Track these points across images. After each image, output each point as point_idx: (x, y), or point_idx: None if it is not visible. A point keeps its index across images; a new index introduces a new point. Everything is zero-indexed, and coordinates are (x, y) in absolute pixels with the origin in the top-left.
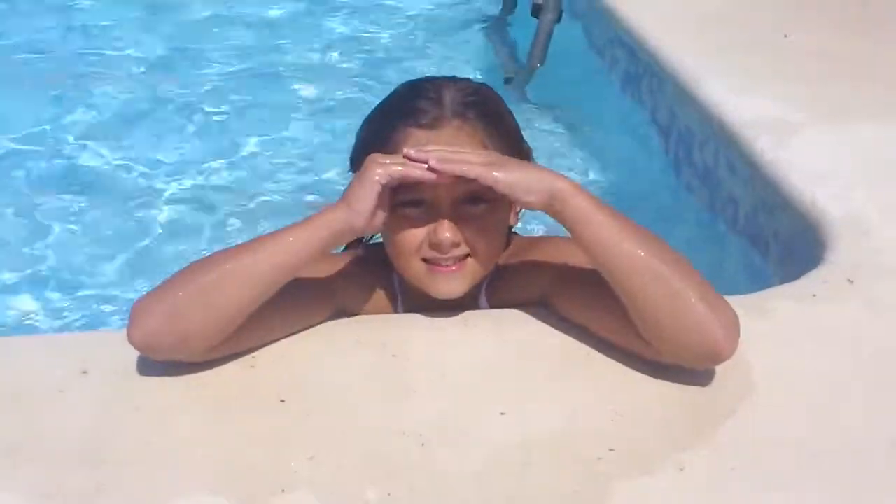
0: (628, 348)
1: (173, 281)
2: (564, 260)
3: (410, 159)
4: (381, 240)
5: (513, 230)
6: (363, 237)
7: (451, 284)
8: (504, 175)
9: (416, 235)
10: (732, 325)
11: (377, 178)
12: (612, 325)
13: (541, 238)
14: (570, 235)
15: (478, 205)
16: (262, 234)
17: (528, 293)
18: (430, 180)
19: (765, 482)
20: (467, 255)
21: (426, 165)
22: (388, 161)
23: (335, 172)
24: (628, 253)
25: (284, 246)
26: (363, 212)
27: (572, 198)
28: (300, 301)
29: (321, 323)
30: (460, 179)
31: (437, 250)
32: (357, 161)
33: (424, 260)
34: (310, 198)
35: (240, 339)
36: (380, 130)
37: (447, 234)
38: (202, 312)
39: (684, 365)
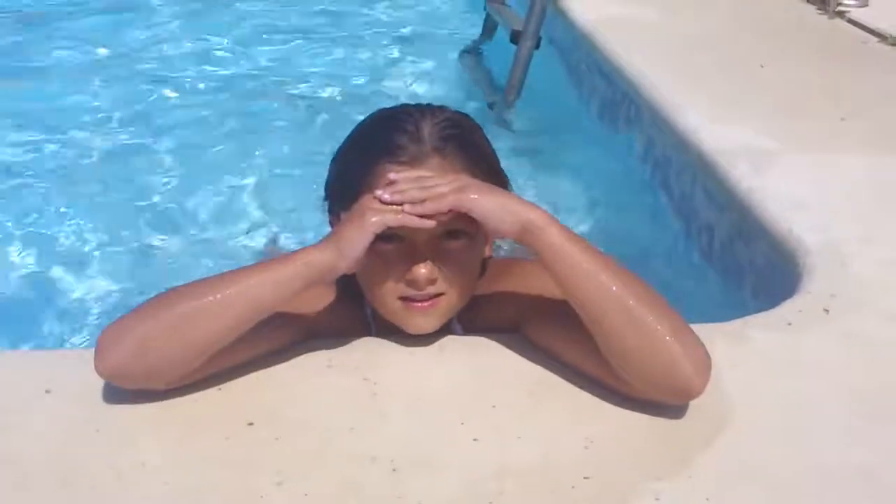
0: (599, 379)
1: (143, 311)
2: (538, 287)
3: (383, 202)
4: None
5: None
6: None
7: (425, 321)
8: (478, 199)
9: (391, 273)
10: (703, 362)
11: (372, 227)
12: (583, 357)
13: (514, 262)
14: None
15: (455, 240)
16: (240, 267)
17: (502, 320)
18: (426, 227)
19: None
20: (441, 294)
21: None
22: (383, 207)
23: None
24: (600, 287)
25: (263, 282)
26: (352, 258)
27: (545, 230)
28: (270, 327)
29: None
30: (448, 214)
31: (413, 287)
32: (334, 194)
33: (400, 298)
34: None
35: (207, 367)
36: (358, 166)
37: (423, 272)
38: (172, 346)
39: (654, 399)
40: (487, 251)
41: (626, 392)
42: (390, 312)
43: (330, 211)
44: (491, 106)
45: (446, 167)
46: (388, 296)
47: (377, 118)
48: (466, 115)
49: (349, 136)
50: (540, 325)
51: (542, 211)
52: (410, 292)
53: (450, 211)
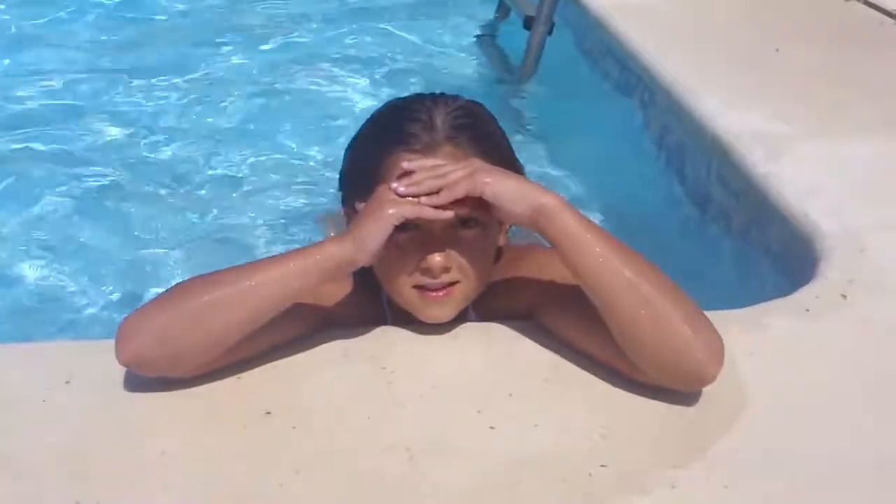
0: (613, 367)
1: (164, 300)
2: (552, 273)
3: (400, 195)
4: None
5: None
6: None
7: (440, 310)
8: (491, 183)
9: (407, 262)
10: (716, 349)
11: (391, 220)
12: (597, 345)
13: (528, 248)
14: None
15: (469, 228)
16: (260, 259)
17: (516, 306)
18: (443, 219)
19: (757, 501)
20: (456, 282)
21: (431, 199)
22: (399, 200)
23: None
24: (613, 272)
25: (283, 275)
26: (371, 251)
27: (558, 214)
28: (289, 317)
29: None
30: (453, 203)
31: (428, 275)
32: (348, 184)
33: (415, 286)
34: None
35: (227, 356)
36: (371, 156)
37: (438, 259)
38: (192, 336)
39: (667, 386)
40: (502, 239)
41: (640, 379)
42: (406, 301)
43: (343, 201)
44: (501, 82)
45: (459, 155)
46: (404, 284)
47: (390, 108)
48: (480, 104)
49: (362, 127)
50: (555, 312)
51: (555, 195)
52: (425, 281)
53: (466, 198)
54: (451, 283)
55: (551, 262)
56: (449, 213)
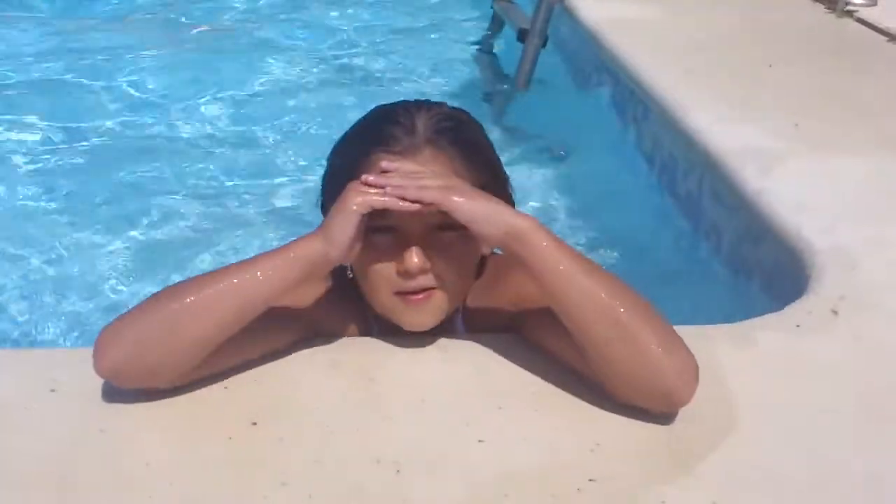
0: (594, 383)
1: (138, 310)
2: (535, 286)
3: (368, 184)
4: None
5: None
6: None
7: (420, 316)
8: (462, 202)
9: (386, 267)
10: (690, 371)
11: (356, 207)
12: (576, 361)
13: (511, 260)
14: None
15: (447, 232)
16: (232, 263)
17: (501, 319)
18: (412, 211)
19: None
20: (435, 287)
21: (398, 191)
22: (368, 190)
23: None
24: (584, 294)
25: (254, 277)
26: (341, 244)
27: (529, 236)
28: (274, 326)
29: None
30: (431, 206)
31: (405, 277)
32: (328, 187)
33: (396, 293)
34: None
35: (208, 365)
36: (351, 157)
37: (415, 260)
38: (168, 344)
39: (642, 406)
40: (485, 248)
41: (617, 399)
42: (385, 307)
43: (322, 207)
44: (487, 97)
45: (440, 158)
46: (383, 290)
47: (373, 113)
48: (465, 111)
49: (345, 132)
50: (537, 326)
51: (528, 218)
52: (404, 285)
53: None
54: (430, 289)
55: None
56: (416, 206)
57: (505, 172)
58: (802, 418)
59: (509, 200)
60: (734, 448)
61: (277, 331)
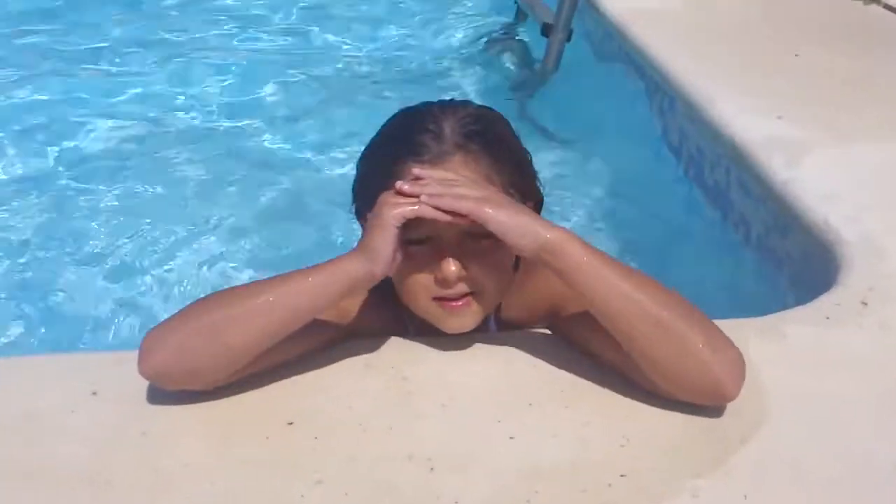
0: (632, 378)
1: (184, 314)
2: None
3: (403, 194)
4: None
5: None
6: None
7: (461, 320)
8: (496, 214)
9: (423, 276)
10: (737, 366)
11: (393, 221)
12: (614, 357)
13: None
14: None
15: (482, 239)
16: (279, 274)
17: (535, 317)
18: (445, 220)
19: None
20: (473, 293)
21: (433, 199)
22: (400, 201)
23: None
24: (625, 299)
25: (300, 291)
26: (383, 259)
27: (563, 248)
28: (312, 328)
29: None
30: (466, 218)
31: (443, 285)
32: (360, 195)
33: (434, 298)
34: None
35: (250, 367)
36: (381, 167)
37: (452, 269)
38: (212, 350)
39: (690, 402)
40: None
41: (661, 394)
42: (426, 313)
43: (357, 213)
44: (514, 89)
45: (469, 163)
46: (421, 296)
47: (399, 117)
48: (491, 109)
49: (373, 138)
50: (573, 324)
51: (560, 229)
52: (442, 292)
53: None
54: (469, 294)
55: None
56: (448, 217)
57: (533, 168)
58: (832, 410)
59: (538, 196)
60: (765, 441)
61: (317, 333)
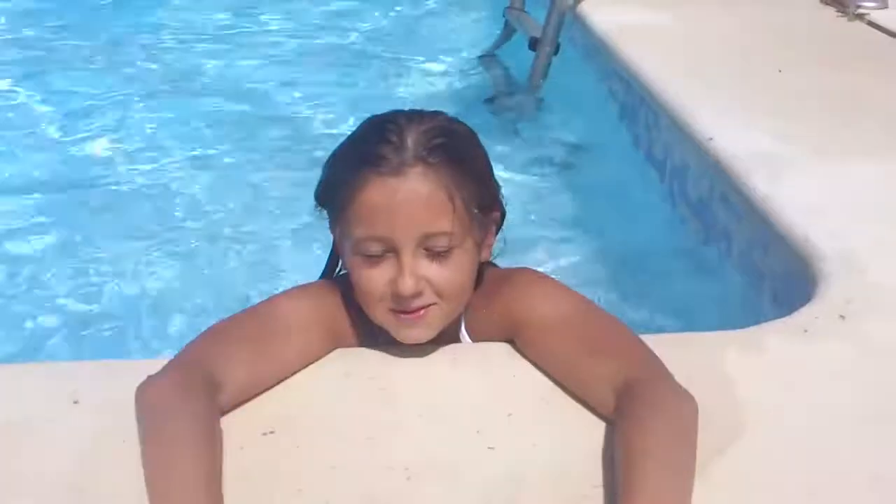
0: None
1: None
2: (529, 302)
3: None
4: None
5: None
6: (335, 268)
7: (416, 332)
8: None
9: (378, 282)
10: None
11: None
12: (570, 382)
13: (514, 272)
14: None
15: (441, 247)
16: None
17: (499, 331)
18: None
19: None
20: (432, 304)
21: None
22: None
23: None
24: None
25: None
26: None
27: None
28: (304, 347)
29: None
30: (420, 220)
31: (400, 302)
32: (323, 198)
33: (391, 309)
34: None
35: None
36: (342, 173)
37: (409, 284)
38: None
39: None
40: (485, 254)
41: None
42: (383, 322)
43: (328, 217)
44: (488, 101)
45: (429, 176)
46: (378, 308)
47: (367, 125)
48: (460, 122)
49: (340, 144)
50: (529, 341)
51: None
52: (398, 305)
53: (437, 216)
54: (427, 305)
55: (530, 289)
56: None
57: (496, 183)
58: (810, 423)
59: (500, 209)
60: (742, 453)
61: (312, 356)
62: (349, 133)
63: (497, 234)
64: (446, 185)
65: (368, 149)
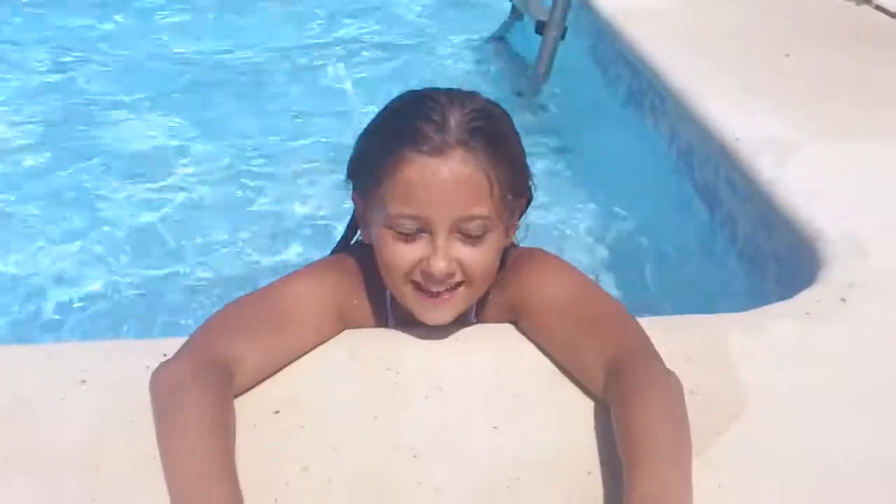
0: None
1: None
2: (535, 281)
3: None
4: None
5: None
6: (351, 240)
7: (440, 314)
8: None
9: (408, 258)
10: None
11: None
12: (570, 363)
13: (526, 253)
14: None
15: (476, 229)
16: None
17: (505, 312)
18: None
19: (751, 499)
20: (461, 283)
21: None
22: None
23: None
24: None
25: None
26: None
27: None
28: (317, 328)
29: None
30: (458, 203)
31: (430, 280)
32: (355, 172)
33: (415, 281)
34: None
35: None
36: (380, 149)
37: (441, 265)
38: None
39: None
40: (508, 239)
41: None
42: (405, 300)
43: (354, 189)
44: (519, 94)
45: (469, 160)
46: (403, 282)
47: (406, 101)
48: (497, 105)
49: (377, 116)
50: (530, 321)
51: None
52: (427, 285)
53: (473, 199)
54: (456, 285)
55: (536, 269)
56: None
57: (528, 167)
58: (809, 405)
59: (529, 194)
60: (742, 433)
61: (322, 331)
62: (383, 108)
63: (520, 218)
64: (486, 169)
65: (410, 125)
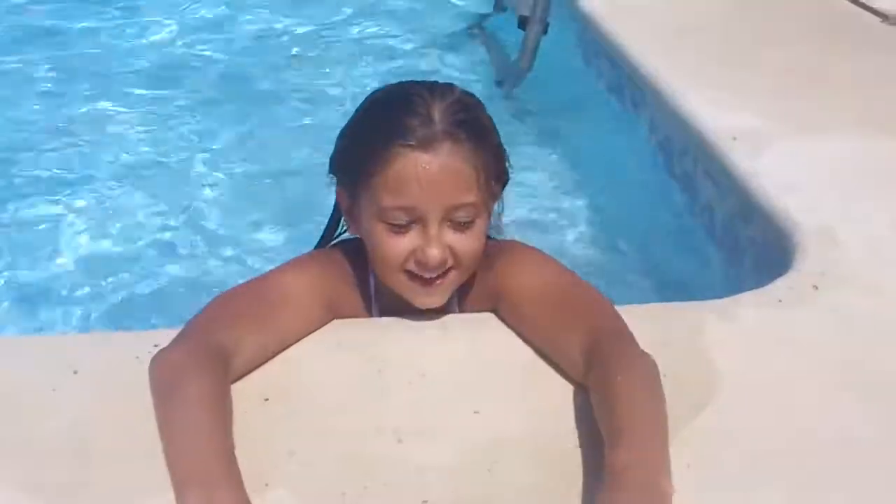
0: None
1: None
2: (513, 273)
3: None
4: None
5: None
6: (333, 234)
7: (432, 297)
8: None
9: (402, 249)
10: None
11: None
12: (549, 349)
13: (503, 245)
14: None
15: (465, 216)
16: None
17: (486, 301)
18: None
19: (719, 480)
20: (451, 268)
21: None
22: None
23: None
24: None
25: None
26: None
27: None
28: (306, 319)
29: None
30: (448, 193)
31: (424, 268)
32: (339, 168)
33: (409, 270)
34: None
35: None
36: (369, 145)
37: (436, 254)
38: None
39: None
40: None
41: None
42: (398, 287)
43: (339, 183)
44: (499, 84)
45: (457, 152)
46: (397, 271)
47: (388, 95)
48: (472, 95)
49: (359, 111)
50: (510, 309)
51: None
52: (420, 270)
53: (464, 188)
54: (447, 270)
55: (515, 260)
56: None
57: (505, 151)
58: (780, 388)
59: (506, 177)
60: (711, 416)
61: (312, 325)
62: (361, 104)
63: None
64: (472, 159)
65: (396, 119)
